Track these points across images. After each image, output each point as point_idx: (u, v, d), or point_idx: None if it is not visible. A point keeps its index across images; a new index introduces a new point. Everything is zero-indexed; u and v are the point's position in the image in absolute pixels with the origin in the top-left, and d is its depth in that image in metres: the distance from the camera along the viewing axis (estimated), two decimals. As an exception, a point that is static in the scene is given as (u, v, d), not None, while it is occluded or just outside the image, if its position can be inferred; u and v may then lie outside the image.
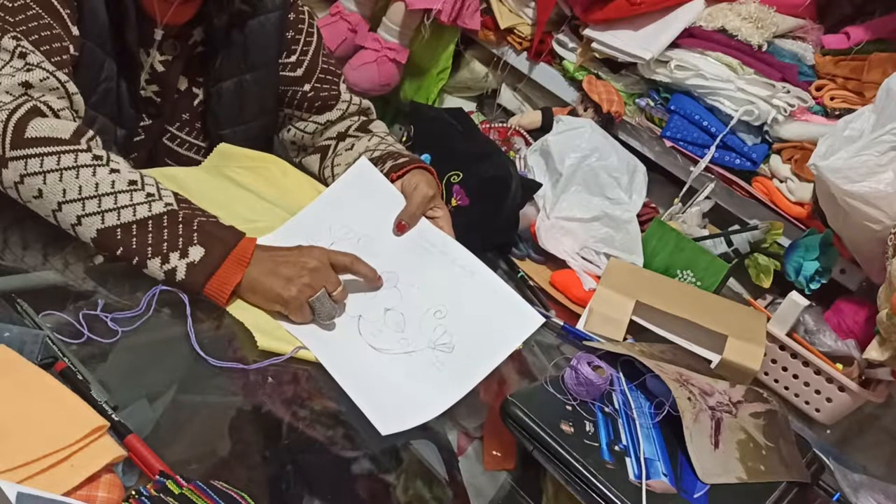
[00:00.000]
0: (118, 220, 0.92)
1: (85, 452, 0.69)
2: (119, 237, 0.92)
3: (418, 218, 1.13)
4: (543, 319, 1.04)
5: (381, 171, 1.19)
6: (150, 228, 0.93)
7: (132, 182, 0.94)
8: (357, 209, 1.15)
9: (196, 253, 0.93)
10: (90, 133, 0.96)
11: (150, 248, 0.93)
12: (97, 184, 0.92)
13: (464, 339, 1.02)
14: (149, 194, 0.94)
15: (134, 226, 0.92)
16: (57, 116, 0.96)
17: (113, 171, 0.94)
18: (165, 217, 0.94)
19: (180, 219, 0.94)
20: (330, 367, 0.94)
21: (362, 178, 1.18)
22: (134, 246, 0.92)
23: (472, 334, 1.02)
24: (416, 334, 1.02)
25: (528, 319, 1.04)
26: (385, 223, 1.14)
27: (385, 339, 1.01)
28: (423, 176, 1.18)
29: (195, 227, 0.94)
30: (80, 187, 0.92)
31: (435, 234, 1.13)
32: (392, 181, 1.18)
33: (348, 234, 1.12)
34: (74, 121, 0.99)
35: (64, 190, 0.91)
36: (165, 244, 0.93)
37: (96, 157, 0.93)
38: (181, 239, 0.93)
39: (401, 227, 1.12)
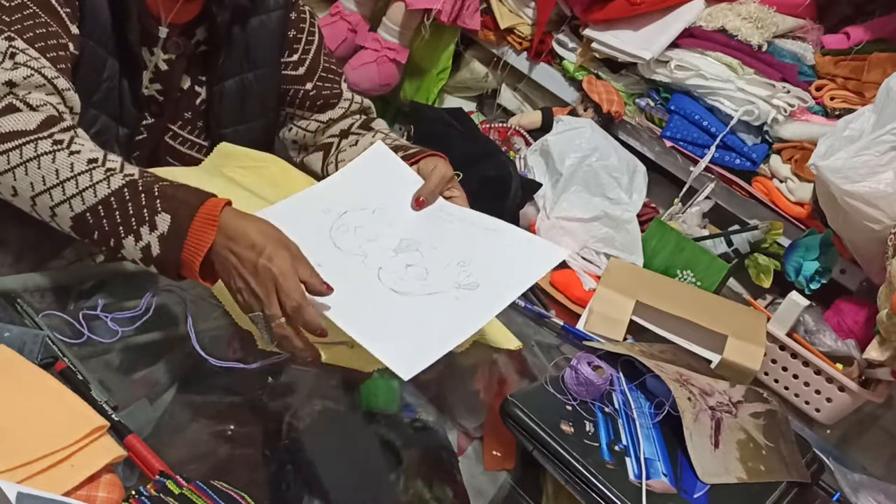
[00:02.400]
0: (84, 204, 0.88)
1: (85, 452, 0.69)
2: (91, 222, 0.88)
3: (436, 195, 1.12)
4: (566, 254, 1.04)
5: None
6: (115, 205, 0.88)
7: (91, 161, 0.89)
8: (372, 186, 1.14)
9: (163, 222, 0.87)
10: (65, 123, 0.92)
11: (120, 228, 0.88)
12: (57, 170, 0.88)
13: (488, 277, 1.00)
14: (108, 170, 0.89)
15: (100, 207, 0.88)
16: (35, 111, 0.93)
17: (72, 153, 0.89)
18: (126, 190, 0.88)
19: (140, 188, 0.89)
20: (344, 322, 0.89)
21: (378, 161, 1.18)
22: (106, 228, 0.88)
23: (495, 272, 1.01)
24: (440, 279, 1.00)
25: (551, 254, 1.04)
26: (402, 197, 1.12)
27: (407, 284, 0.99)
28: (440, 159, 1.18)
29: (157, 194, 0.88)
30: (43, 177, 0.88)
31: (452, 207, 1.13)
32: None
33: (362, 206, 1.10)
34: (59, 114, 0.96)
35: (31, 183, 0.88)
36: (133, 219, 0.87)
37: (56, 143, 0.89)
38: (145, 210, 0.87)
39: (419, 203, 1.11)
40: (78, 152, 0.89)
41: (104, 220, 0.88)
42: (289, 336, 0.86)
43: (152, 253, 0.87)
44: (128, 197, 0.88)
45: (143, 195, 0.88)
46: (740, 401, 1.07)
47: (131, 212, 0.87)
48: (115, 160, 0.90)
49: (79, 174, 0.88)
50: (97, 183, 0.88)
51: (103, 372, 0.84)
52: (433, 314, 0.94)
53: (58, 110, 0.96)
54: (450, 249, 1.05)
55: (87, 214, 0.88)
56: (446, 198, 1.14)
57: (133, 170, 0.90)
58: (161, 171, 1.16)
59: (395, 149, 1.22)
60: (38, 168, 0.88)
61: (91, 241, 0.89)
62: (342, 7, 1.97)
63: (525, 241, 1.07)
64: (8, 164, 0.88)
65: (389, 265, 1.01)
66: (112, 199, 0.88)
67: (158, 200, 0.87)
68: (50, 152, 0.88)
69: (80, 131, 0.94)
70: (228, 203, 0.89)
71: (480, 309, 0.95)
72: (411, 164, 1.17)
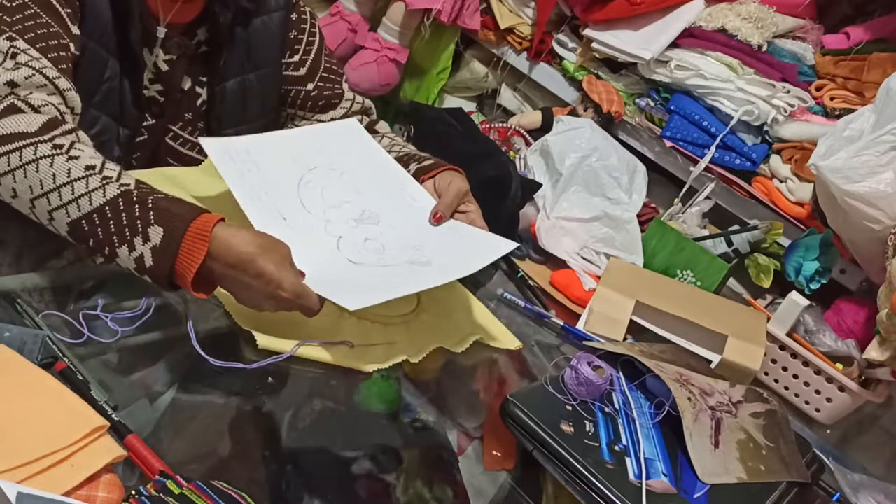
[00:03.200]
0: (79, 210, 0.88)
1: (85, 452, 0.69)
2: (87, 229, 0.89)
3: (452, 210, 1.14)
4: (516, 245, 1.08)
5: (408, 173, 1.20)
6: (110, 214, 0.88)
7: (89, 168, 0.90)
8: (342, 151, 1.18)
9: (156, 234, 0.88)
10: (67, 126, 0.93)
11: (115, 237, 0.88)
12: (54, 174, 0.88)
13: (440, 258, 1.04)
14: (105, 178, 0.90)
15: (94, 215, 0.88)
16: (37, 112, 0.93)
17: (70, 158, 0.89)
18: (120, 200, 0.89)
19: (135, 198, 0.89)
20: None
21: (351, 132, 1.22)
22: (101, 236, 0.88)
23: (447, 256, 1.05)
24: (395, 256, 1.03)
25: (501, 246, 1.08)
26: (370, 169, 1.16)
27: (364, 256, 1.03)
28: (457, 174, 1.18)
29: (150, 205, 0.89)
30: (41, 181, 0.88)
31: (417, 192, 1.15)
32: (421, 182, 1.18)
33: (331, 166, 1.14)
34: (61, 116, 0.96)
35: (30, 186, 0.88)
36: (127, 229, 0.88)
37: (56, 147, 0.90)
38: (139, 221, 0.88)
39: (437, 219, 1.12)
40: (76, 158, 0.90)
41: (99, 229, 0.88)
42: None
43: (145, 264, 0.88)
44: (122, 206, 0.88)
45: (136, 206, 0.88)
46: (740, 401, 1.07)
47: (125, 222, 0.88)
48: (112, 168, 0.91)
49: (75, 180, 0.88)
50: (93, 191, 0.88)
51: (103, 372, 0.84)
52: (386, 276, 0.99)
53: (59, 111, 0.96)
54: (407, 232, 1.08)
55: (83, 221, 0.88)
56: (461, 212, 1.15)
57: (129, 179, 0.91)
58: (161, 172, 1.17)
59: (408, 157, 1.22)
60: (37, 171, 0.88)
61: (87, 247, 0.90)
62: (342, 7, 1.97)
63: (476, 233, 1.11)
64: (8, 166, 0.88)
65: (349, 236, 1.05)
66: (106, 207, 0.88)
67: (152, 212, 0.88)
68: (48, 156, 0.89)
69: (81, 135, 0.94)
70: (221, 220, 0.89)
71: (433, 277, 0.99)
72: (429, 178, 1.17)
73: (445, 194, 1.13)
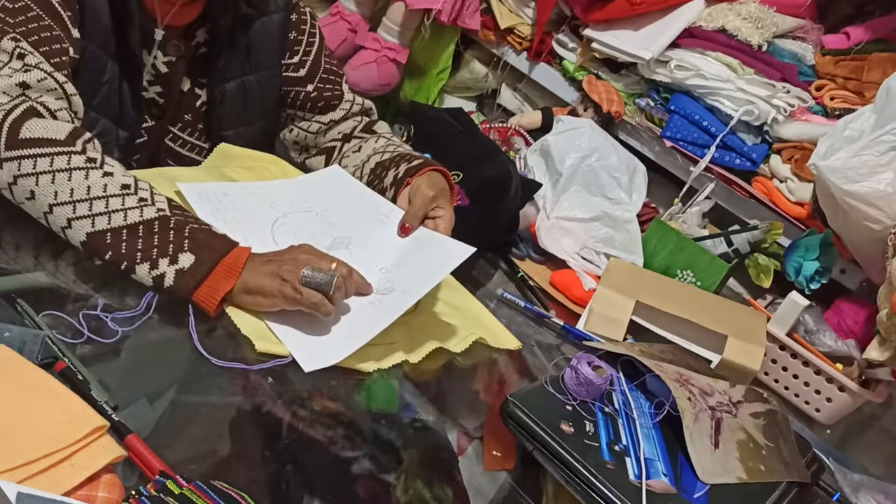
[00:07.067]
0: (108, 224, 0.91)
1: (85, 452, 0.69)
2: (108, 241, 0.91)
3: (420, 219, 1.13)
4: (473, 250, 1.06)
5: (396, 175, 1.20)
6: (141, 234, 0.91)
7: (125, 186, 0.93)
8: (321, 195, 1.19)
9: (186, 260, 0.91)
10: (87, 135, 0.95)
11: (139, 254, 0.91)
12: (89, 187, 0.91)
13: (403, 282, 1.04)
14: (141, 199, 0.93)
15: (124, 230, 0.91)
16: (54, 117, 0.95)
17: (106, 174, 0.92)
18: (157, 223, 0.92)
19: (172, 225, 0.92)
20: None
21: (332, 178, 1.24)
22: (123, 251, 0.91)
23: (410, 275, 1.05)
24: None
25: (459, 251, 1.06)
26: (347, 204, 1.17)
27: None
28: (427, 178, 1.17)
29: (187, 234, 0.92)
30: (72, 190, 0.90)
31: (390, 208, 1.16)
32: (408, 185, 1.18)
33: (308, 209, 1.14)
34: (72, 122, 0.98)
35: (55, 192, 0.90)
36: (155, 250, 0.91)
37: (90, 160, 0.92)
38: (171, 245, 0.91)
39: (405, 230, 1.12)
40: (111, 175, 0.93)
41: (124, 244, 0.91)
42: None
43: (164, 283, 0.91)
44: (156, 229, 0.92)
45: (172, 231, 0.92)
46: (740, 401, 1.07)
47: (156, 243, 0.91)
48: (145, 188, 0.94)
49: (111, 196, 0.91)
50: (129, 209, 0.92)
51: (103, 372, 0.84)
52: (347, 315, 0.99)
53: (70, 118, 0.97)
54: (375, 253, 1.09)
55: (108, 234, 0.91)
56: (431, 217, 1.14)
57: (163, 204, 0.94)
58: (162, 172, 1.17)
59: (399, 158, 1.23)
60: (68, 180, 0.91)
61: (99, 257, 0.93)
62: (342, 7, 1.97)
63: (438, 242, 1.10)
64: (33, 170, 0.90)
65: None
66: (140, 227, 0.91)
67: (187, 240, 0.92)
68: (83, 168, 0.91)
69: (97, 144, 0.96)
70: (250, 253, 0.95)
71: (388, 312, 0.98)
72: (412, 181, 1.18)
73: (412, 203, 1.14)
